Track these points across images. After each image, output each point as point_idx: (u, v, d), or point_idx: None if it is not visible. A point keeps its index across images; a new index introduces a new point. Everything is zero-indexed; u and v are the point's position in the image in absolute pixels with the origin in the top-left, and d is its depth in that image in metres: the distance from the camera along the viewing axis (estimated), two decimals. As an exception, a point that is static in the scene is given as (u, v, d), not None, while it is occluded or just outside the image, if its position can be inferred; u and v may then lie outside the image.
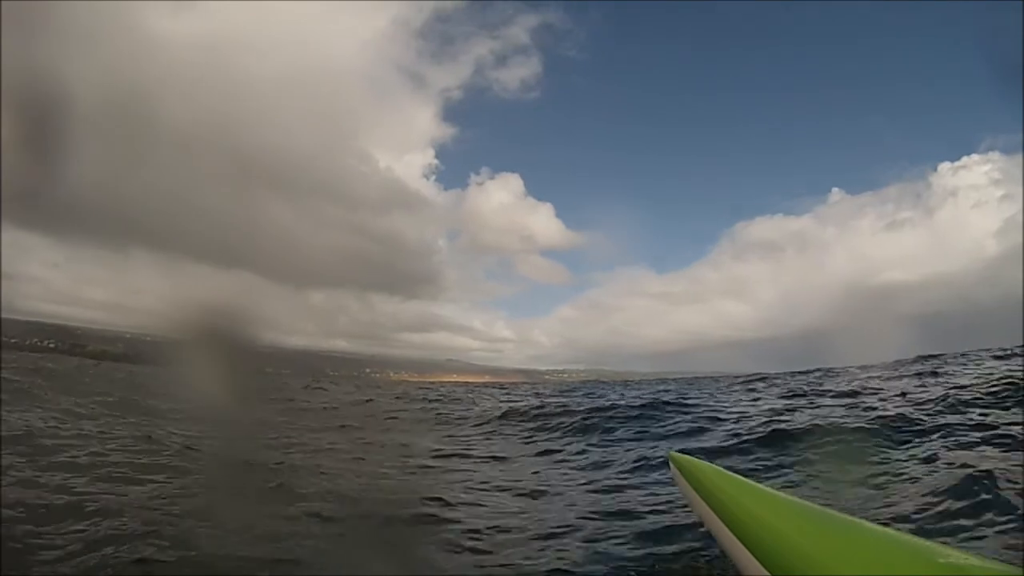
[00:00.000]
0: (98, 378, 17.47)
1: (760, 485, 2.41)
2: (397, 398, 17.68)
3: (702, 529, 2.64)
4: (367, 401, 16.13)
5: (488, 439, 8.65)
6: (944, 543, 1.67)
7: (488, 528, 3.78)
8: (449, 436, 8.96)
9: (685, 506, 3.29)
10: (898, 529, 2.61)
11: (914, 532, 3.09)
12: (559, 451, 7.09)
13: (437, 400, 16.69)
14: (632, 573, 3.02)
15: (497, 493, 4.89)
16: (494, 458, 6.78)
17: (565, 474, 5.75)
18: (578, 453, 6.86)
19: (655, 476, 5.11)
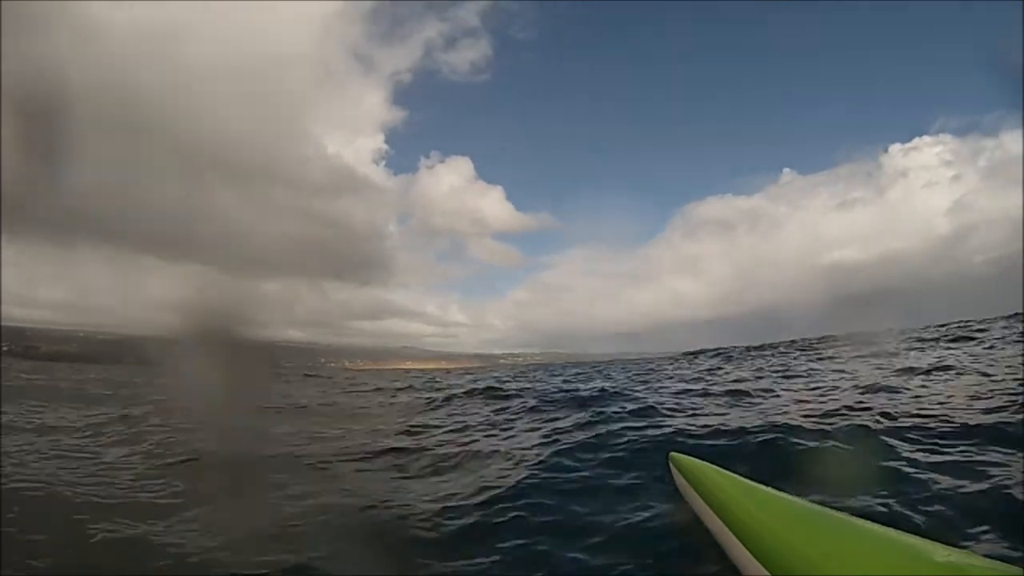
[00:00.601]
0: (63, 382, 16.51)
1: (760, 485, 2.44)
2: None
3: (702, 529, 2.68)
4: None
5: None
6: (944, 543, 1.68)
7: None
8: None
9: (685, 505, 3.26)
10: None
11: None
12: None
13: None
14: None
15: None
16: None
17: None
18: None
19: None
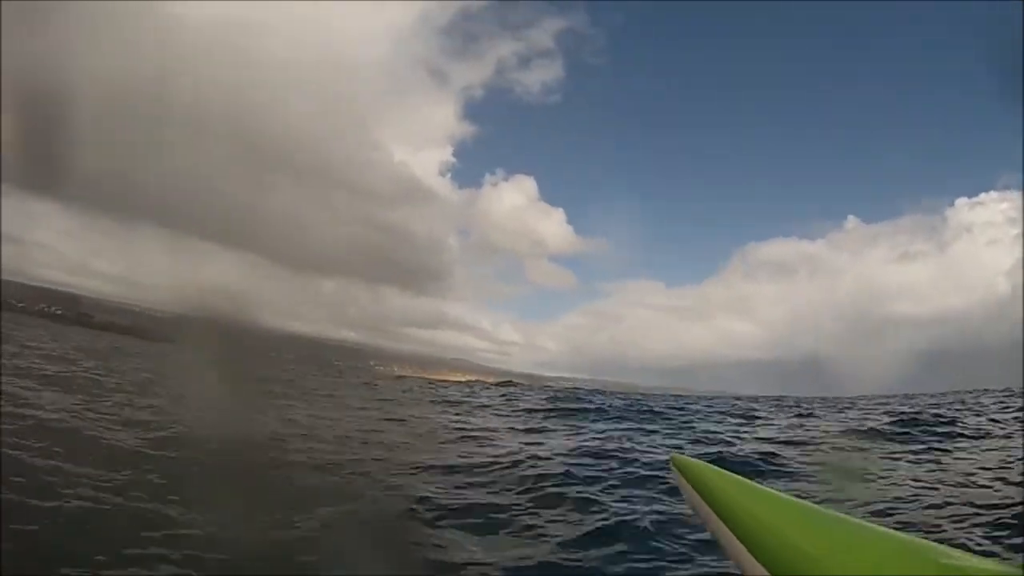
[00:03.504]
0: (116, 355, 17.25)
1: (763, 487, 2.39)
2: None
3: (705, 532, 2.61)
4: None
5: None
6: (944, 543, 1.62)
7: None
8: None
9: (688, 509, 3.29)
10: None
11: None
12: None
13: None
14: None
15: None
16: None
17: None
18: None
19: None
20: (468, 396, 18.36)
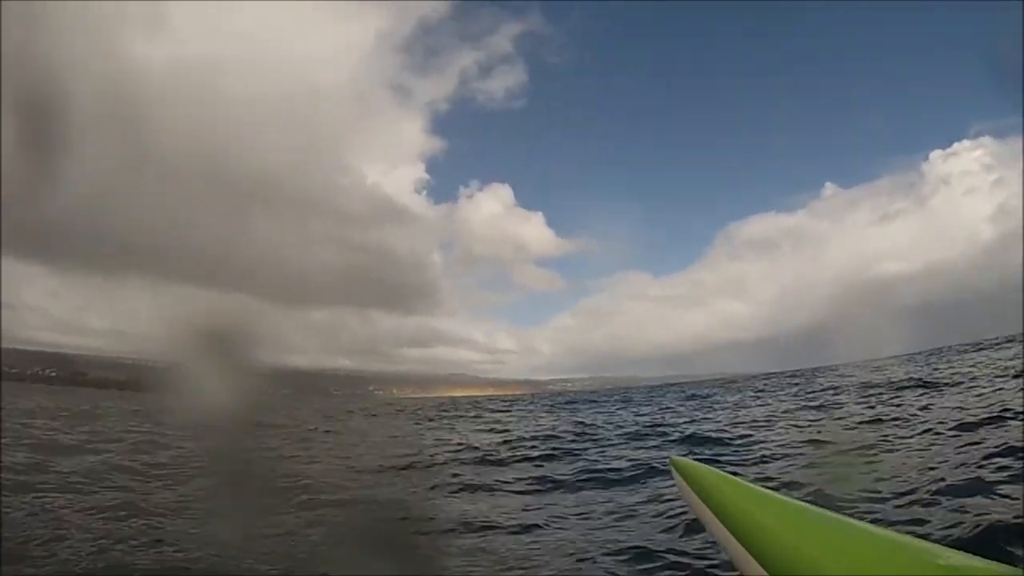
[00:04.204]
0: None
1: (764, 489, 2.41)
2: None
3: (704, 533, 2.61)
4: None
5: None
6: (944, 543, 1.67)
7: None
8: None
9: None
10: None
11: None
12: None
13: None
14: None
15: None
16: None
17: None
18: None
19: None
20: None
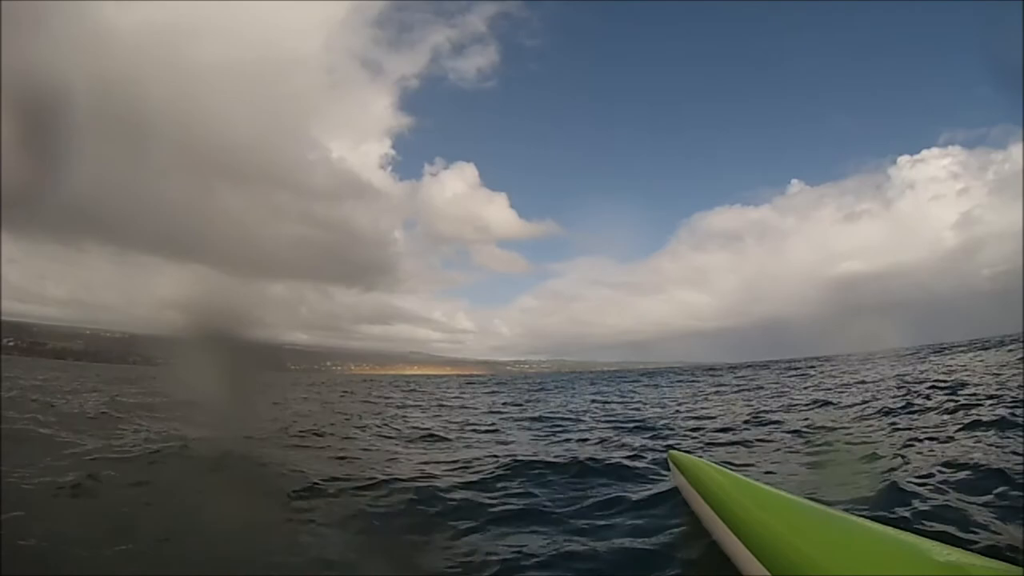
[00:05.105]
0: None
1: (760, 484, 2.41)
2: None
3: (701, 528, 2.60)
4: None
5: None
6: (944, 543, 1.66)
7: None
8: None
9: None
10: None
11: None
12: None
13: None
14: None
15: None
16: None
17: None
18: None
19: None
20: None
